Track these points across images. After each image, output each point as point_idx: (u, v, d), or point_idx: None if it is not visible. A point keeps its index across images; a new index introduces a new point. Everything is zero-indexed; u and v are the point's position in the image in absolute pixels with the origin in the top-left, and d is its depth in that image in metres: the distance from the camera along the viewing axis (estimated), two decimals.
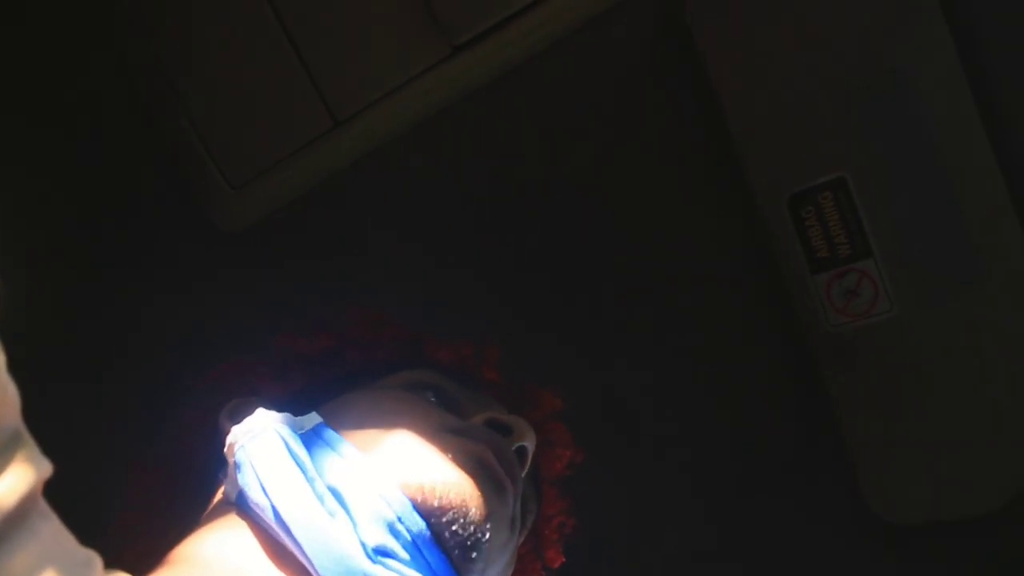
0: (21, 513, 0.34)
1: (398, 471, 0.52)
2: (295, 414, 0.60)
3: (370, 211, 0.85)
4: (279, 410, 0.61)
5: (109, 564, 0.41)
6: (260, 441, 0.53)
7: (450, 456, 0.54)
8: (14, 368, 0.38)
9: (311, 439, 0.55)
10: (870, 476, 0.78)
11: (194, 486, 0.62)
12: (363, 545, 0.49)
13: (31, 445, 0.36)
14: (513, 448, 0.59)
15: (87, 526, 0.42)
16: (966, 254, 0.72)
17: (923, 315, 0.74)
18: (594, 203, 0.82)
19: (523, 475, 0.61)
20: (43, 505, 0.38)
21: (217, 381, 0.66)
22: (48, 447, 0.40)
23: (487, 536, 0.53)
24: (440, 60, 0.79)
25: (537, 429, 0.67)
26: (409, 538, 0.50)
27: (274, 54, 0.80)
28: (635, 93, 0.79)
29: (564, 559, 0.69)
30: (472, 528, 0.52)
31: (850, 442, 0.78)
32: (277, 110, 0.81)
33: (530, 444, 0.61)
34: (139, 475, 0.64)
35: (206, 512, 0.56)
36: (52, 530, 0.37)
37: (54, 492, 0.41)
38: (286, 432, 0.54)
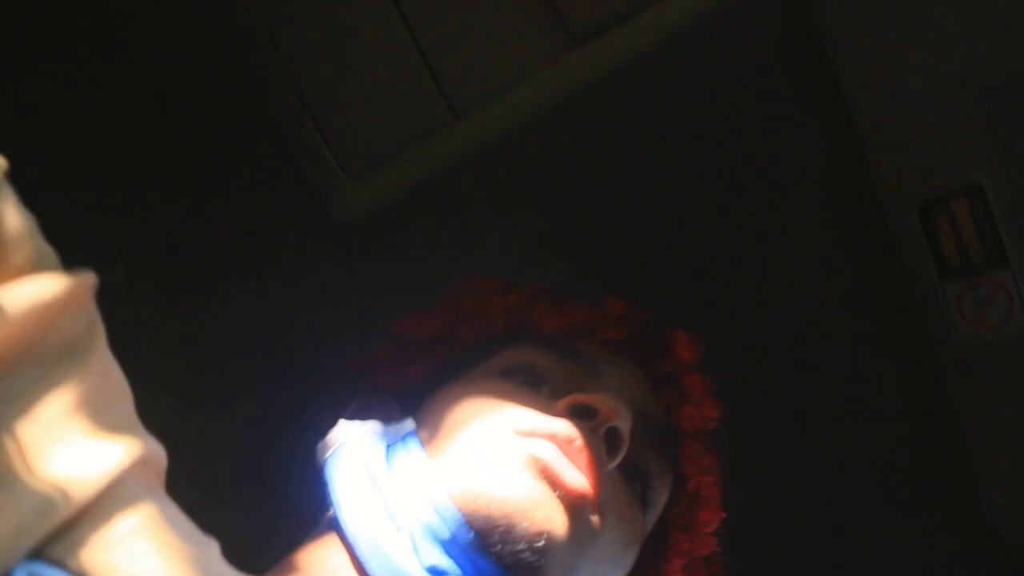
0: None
1: (448, 480, 0.51)
2: (418, 405, 0.60)
3: (486, 203, 0.85)
4: (403, 402, 0.62)
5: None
6: (337, 457, 0.54)
7: (503, 462, 0.51)
8: (124, 359, 0.39)
9: (395, 449, 0.55)
10: (997, 497, 0.75)
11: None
12: (420, 563, 0.49)
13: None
14: (603, 431, 0.54)
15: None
16: None
17: None
18: (712, 204, 0.80)
19: (619, 457, 0.55)
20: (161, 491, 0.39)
21: (344, 377, 0.66)
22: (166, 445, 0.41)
23: (544, 550, 0.49)
24: (560, 53, 0.78)
25: (670, 381, 0.64)
26: (463, 555, 0.49)
27: (393, 45, 0.80)
28: (759, 92, 0.77)
29: (724, 514, 0.64)
30: (523, 544, 0.49)
31: (976, 461, 0.75)
32: (396, 101, 0.81)
33: (623, 423, 0.55)
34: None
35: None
36: (169, 510, 0.38)
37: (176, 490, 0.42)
38: (365, 443, 0.54)
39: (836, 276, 0.79)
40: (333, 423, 0.59)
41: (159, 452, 0.37)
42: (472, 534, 0.49)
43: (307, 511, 0.59)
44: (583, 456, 0.52)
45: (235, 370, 0.87)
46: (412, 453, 0.54)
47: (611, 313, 0.65)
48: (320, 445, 0.56)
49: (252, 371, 0.86)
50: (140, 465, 0.35)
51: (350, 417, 0.59)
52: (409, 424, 0.57)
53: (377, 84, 0.82)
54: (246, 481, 0.65)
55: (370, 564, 0.49)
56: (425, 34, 0.80)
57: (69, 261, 0.35)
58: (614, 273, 0.83)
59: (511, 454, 0.52)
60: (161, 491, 0.37)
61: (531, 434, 0.53)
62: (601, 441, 0.54)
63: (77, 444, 0.32)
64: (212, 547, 0.39)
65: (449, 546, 0.49)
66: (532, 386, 0.58)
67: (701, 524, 0.63)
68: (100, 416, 0.34)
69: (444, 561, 0.49)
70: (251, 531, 0.61)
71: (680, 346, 0.64)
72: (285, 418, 0.67)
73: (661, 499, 0.62)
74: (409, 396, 0.63)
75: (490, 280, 0.67)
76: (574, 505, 0.51)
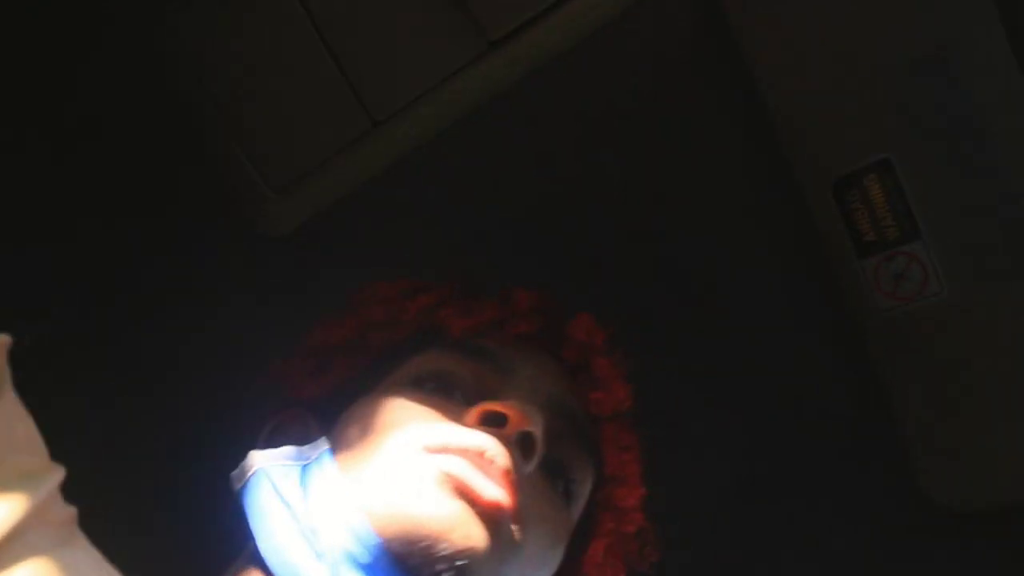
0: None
1: (368, 504, 0.51)
2: (336, 413, 0.60)
3: (412, 212, 0.85)
4: (321, 413, 0.61)
5: None
6: (250, 487, 0.54)
7: (421, 485, 0.51)
8: (50, 384, 0.39)
9: (311, 473, 0.54)
10: (924, 461, 0.77)
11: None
12: None
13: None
14: (515, 437, 0.54)
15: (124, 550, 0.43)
16: (1017, 233, 0.71)
17: (975, 296, 0.73)
18: (635, 195, 0.81)
19: (534, 462, 0.55)
20: (79, 534, 0.39)
21: (261, 387, 0.66)
22: (79, 459, 0.41)
23: (466, 569, 0.49)
24: (476, 57, 0.79)
25: (582, 367, 0.64)
26: (371, 569, 0.49)
27: (309, 56, 0.80)
28: (673, 82, 0.79)
29: (644, 491, 0.64)
30: (444, 564, 0.49)
31: (903, 427, 0.77)
32: (315, 112, 0.81)
33: (535, 427, 0.54)
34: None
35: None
36: (87, 555, 0.38)
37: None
38: (277, 470, 0.54)
39: (759, 258, 0.81)
40: (250, 446, 0.59)
41: (60, 503, 0.37)
42: (392, 558, 0.49)
43: (228, 542, 0.59)
44: (497, 467, 0.52)
45: (167, 392, 0.86)
46: (327, 474, 0.53)
47: (519, 306, 0.65)
48: (233, 475, 0.56)
49: (185, 393, 0.85)
50: (38, 517, 0.35)
51: (266, 438, 0.59)
52: (323, 443, 0.56)
53: (295, 97, 0.81)
54: (179, 509, 0.64)
55: None
56: (340, 44, 0.80)
57: None
58: (542, 270, 0.84)
59: (424, 473, 0.51)
60: (70, 536, 0.37)
61: (443, 450, 0.52)
62: (515, 447, 0.54)
63: None
64: None
65: (371, 572, 0.49)
66: (444, 393, 0.58)
67: (621, 502, 0.63)
68: None
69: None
70: (179, 562, 0.61)
71: (581, 330, 0.64)
72: (218, 442, 0.66)
73: (584, 489, 0.62)
74: (326, 408, 0.62)
75: (398, 283, 0.66)
76: (493, 519, 0.51)
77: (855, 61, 0.72)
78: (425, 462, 0.52)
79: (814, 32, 0.73)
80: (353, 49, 0.80)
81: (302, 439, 0.58)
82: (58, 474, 0.38)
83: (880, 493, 0.80)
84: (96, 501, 0.42)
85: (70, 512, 0.38)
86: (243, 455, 0.58)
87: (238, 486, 0.55)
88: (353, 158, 0.81)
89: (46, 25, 0.86)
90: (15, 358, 0.37)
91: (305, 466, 0.55)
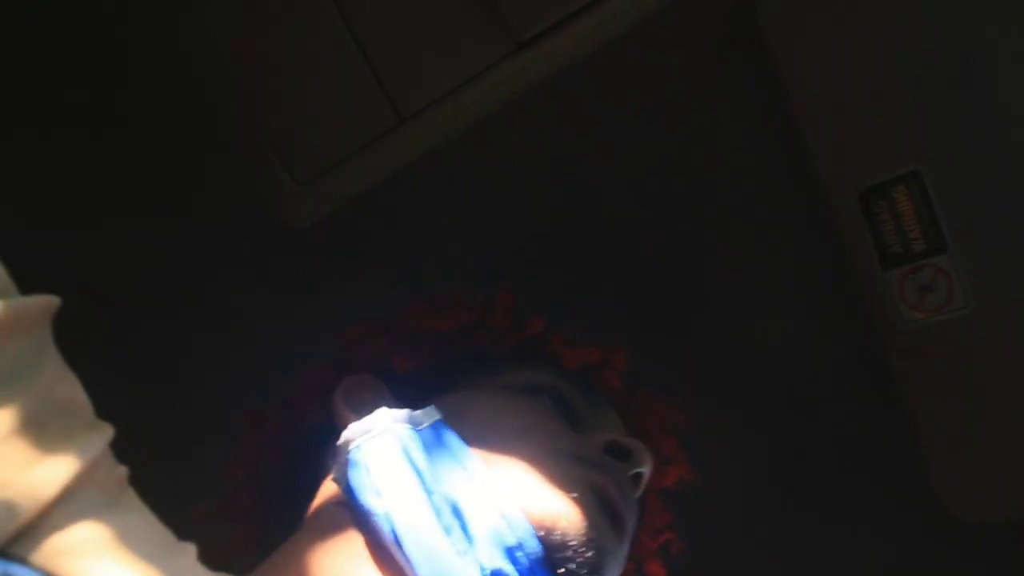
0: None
1: (522, 495, 0.51)
2: (411, 394, 0.59)
3: (433, 208, 0.85)
4: (394, 388, 0.60)
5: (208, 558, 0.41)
6: (379, 443, 0.52)
7: (575, 487, 0.53)
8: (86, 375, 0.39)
9: (431, 441, 0.53)
10: (944, 474, 0.77)
11: (303, 454, 0.61)
12: (478, 566, 0.48)
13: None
14: (631, 473, 0.59)
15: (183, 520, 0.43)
16: None
17: (1000, 311, 0.72)
18: (660, 202, 0.81)
19: (638, 494, 0.60)
20: (131, 494, 0.39)
21: (341, 344, 0.65)
22: (126, 447, 0.41)
23: (605, 571, 0.52)
24: (505, 56, 0.78)
25: (650, 439, 0.66)
26: (527, 564, 0.49)
27: (339, 50, 0.80)
28: (702, 87, 0.78)
29: (666, 572, 0.68)
30: (589, 566, 0.51)
31: (923, 440, 0.77)
32: (342, 107, 0.81)
33: (647, 470, 0.60)
34: (252, 427, 0.63)
35: (315, 504, 0.55)
36: (140, 517, 0.38)
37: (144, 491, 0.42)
38: (407, 436, 0.52)
39: (784, 268, 0.80)
40: (316, 398, 0.60)
41: (109, 463, 0.38)
42: (542, 548, 0.50)
43: (290, 468, 0.59)
44: (626, 492, 0.56)
45: (192, 380, 0.86)
46: (463, 456, 0.52)
47: (617, 363, 0.69)
48: (355, 427, 0.53)
49: (210, 380, 0.86)
50: (88, 477, 0.35)
51: (346, 395, 0.58)
52: (434, 412, 0.55)
53: (322, 90, 0.81)
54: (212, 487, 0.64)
55: (419, 562, 0.47)
56: (369, 39, 0.80)
57: (21, 279, 0.35)
58: (565, 273, 0.84)
59: (579, 480, 0.54)
60: (121, 496, 0.37)
61: (588, 463, 0.56)
62: (631, 481, 0.59)
63: (20, 461, 0.33)
64: (186, 552, 0.39)
65: (514, 554, 0.49)
66: (559, 409, 0.61)
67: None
68: (43, 436, 0.34)
69: (507, 567, 0.48)
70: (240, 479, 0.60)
71: (659, 405, 0.70)
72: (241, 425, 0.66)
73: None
74: (398, 383, 0.61)
75: (515, 297, 0.68)
76: (621, 538, 0.55)
77: (887, 72, 0.71)
78: (577, 470, 0.54)
79: (846, 41, 0.72)
80: (382, 44, 0.79)
81: (374, 405, 0.56)
82: (107, 433, 0.38)
83: (898, 504, 0.80)
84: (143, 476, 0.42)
85: (121, 471, 0.38)
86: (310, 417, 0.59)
87: (357, 442, 0.52)
88: (378, 153, 0.81)
89: (75, 19, 0.86)
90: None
91: (421, 432, 0.53)
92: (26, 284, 0.36)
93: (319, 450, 0.59)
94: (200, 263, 0.89)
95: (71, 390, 0.37)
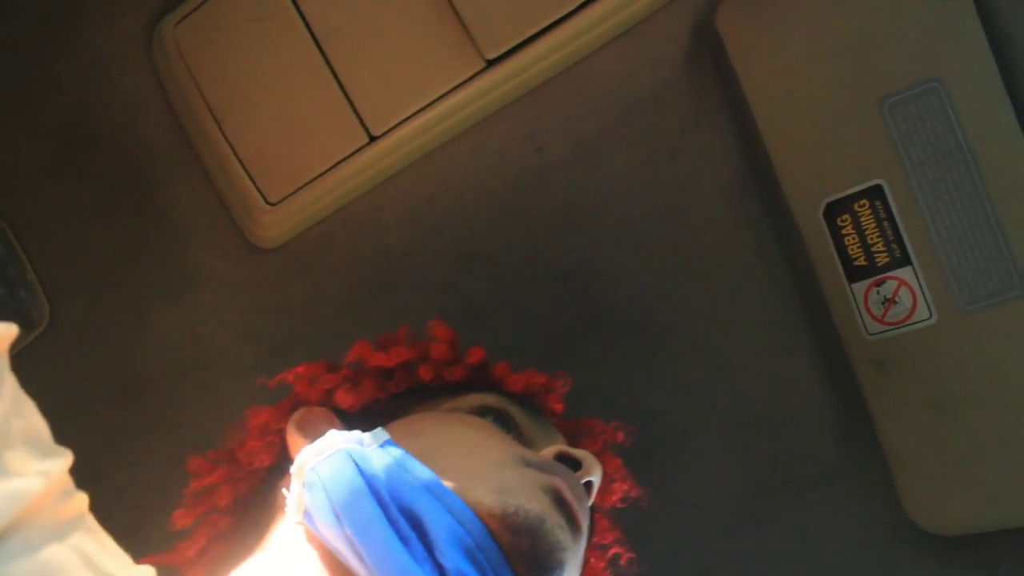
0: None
1: (478, 499, 0.52)
2: (362, 425, 0.59)
3: (405, 226, 0.85)
4: (344, 421, 0.61)
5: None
6: (332, 462, 0.53)
7: (529, 488, 0.53)
8: (51, 387, 0.39)
9: (383, 459, 0.54)
10: (910, 486, 0.77)
11: (255, 489, 0.62)
12: (443, 571, 0.48)
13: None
14: (581, 482, 0.59)
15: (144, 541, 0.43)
16: (1005, 262, 0.71)
17: (963, 322, 0.73)
18: (626, 216, 0.82)
19: (589, 503, 0.60)
20: (90, 520, 0.39)
21: (289, 383, 0.65)
22: (89, 464, 0.41)
23: (564, 569, 0.52)
24: (474, 74, 0.79)
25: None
26: (487, 565, 0.50)
27: (310, 72, 0.81)
28: (667, 106, 0.79)
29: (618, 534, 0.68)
30: (550, 561, 0.51)
31: (890, 452, 0.77)
32: (313, 126, 0.81)
33: (596, 479, 0.60)
34: (200, 473, 0.64)
35: (272, 526, 0.56)
36: (98, 543, 0.38)
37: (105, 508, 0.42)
38: (358, 455, 0.53)
39: (751, 281, 0.81)
40: (266, 438, 0.61)
41: (67, 489, 0.37)
42: (500, 548, 0.50)
43: (241, 504, 0.60)
44: (579, 496, 0.56)
45: (162, 400, 0.86)
46: (414, 468, 0.53)
47: (559, 387, 0.72)
48: (309, 450, 0.54)
49: (179, 400, 0.85)
50: (44, 505, 0.35)
51: (299, 425, 0.59)
52: (382, 434, 0.56)
53: (294, 110, 0.82)
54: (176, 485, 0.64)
55: (384, 573, 0.48)
56: (340, 60, 0.81)
57: None
58: (535, 288, 0.84)
59: (532, 482, 0.54)
60: (78, 523, 0.37)
61: (541, 467, 0.56)
62: (583, 488, 0.58)
63: None
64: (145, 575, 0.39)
65: (474, 555, 0.50)
66: (506, 429, 0.62)
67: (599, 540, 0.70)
68: None
69: (468, 569, 0.49)
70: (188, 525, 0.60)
71: (604, 429, 0.72)
72: (213, 445, 0.66)
73: None
74: (349, 418, 0.63)
75: (453, 331, 0.69)
76: (577, 538, 0.54)
77: (848, 89, 0.73)
78: (532, 474, 0.55)
79: (808, 59, 0.73)
80: (352, 65, 0.80)
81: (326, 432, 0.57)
82: (65, 459, 0.37)
83: (866, 518, 0.81)
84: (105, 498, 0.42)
85: (80, 498, 0.38)
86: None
87: (312, 463, 0.53)
88: (349, 173, 0.82)
89: (42, 29, 0.87)
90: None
91: (372, 451, 0.54)
92: None
93: (270, 489, 0.60)
94: (170, 279, 0.89)
95: (28, 417, 0.36)
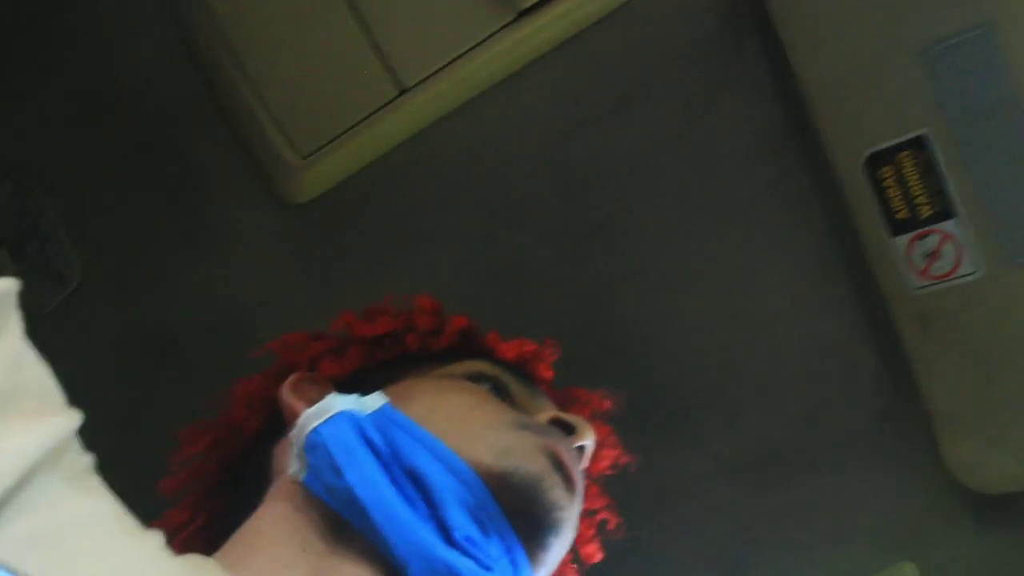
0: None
1: (478, 458, 0.53)
2: (355, 392, 0.59)
3: (437, 180, 0.84)
4: (337, 388, 0.61)
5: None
6: (335, 424, 0.53)
7: (528, 449, 0.54)
8: (83, 345, 0.39)
9: (383, 420, 0.55)
10: (954, 444, 0.76)
11: (243, 456, 0.62)
12: (446, 530, 0.50)
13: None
14: (576, 445, 0.60)
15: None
16: None
17: (1010, 277, 0.71)
18: (661, 168, 0.80)
19: (583, 466, 0.62)
20: (97, 480, 0.38)
21: (276, 352, 0.66)
22: (107, 418, 0.40)
23: (562, 528, 0.54)
24: (504, 25, 0.78)
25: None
26: (489, 523, 0.51)
27: (338, 24, 0.80)
28: (703, 56, 0.78)
29: (603, 555, 0.69)
30: (549, 519, 0.53)
31: (933, 409, 0.76)
32: (343, 80, 0.81)
33: (589, 444, 0.62)
34: (189, 442, 0.64)
35: (271, 489, 0.56)
36: (105, 504, 0.38)
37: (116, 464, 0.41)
38: (361, 416, 0.54)
39: (789, 235, 0.79)
40: (254, 406, 0.62)
41: (76, 449, 0.37)
42: (501, 507, 0.51)
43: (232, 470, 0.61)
44: (574, 459, 0.57)
45: (190, 357, 0.86)
46: (414, 430, 0.54)
47: (549, 355, 0.71)
48: (309, 413, 0.54)
49: (207, 358, 0.85)
50: (50, 463, 0.34)
51: (294, 390, 0.59)
52: (381, 398, 0.56)
53: (323, 64, 0.81)
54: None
55: (390, 533, 0.49)
56: (370, 12, 0.80)
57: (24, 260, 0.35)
58: (567, 243, 0.83)
59: (530, 444, 0.55)
60: (84, 483, 0.37)
61: (537, 430, 0.57)
62: (576, 452, 0.60)
63: None
64: (152, 538, 0.39)
65: (476, 514, 0.51)
66: (500, 396, 0.62)
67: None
68: (4, 417, 0.33)
69: (471, 528, 0.50)
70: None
71: (596, 397, 0.72)
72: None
73: None
74: (341, 385, 0.63)
75: (437, 302, 0.69)
76: (573, 498, 0.56)
77: (891, 36, 0.71)
78: (529, 436, 0.56)
79: (849, 6, 0.72)
80: (382, 16, 0.79)
81: (323, 397, 0.57)
82: (73, 419, 0.37)
83: (909, 474, 0.79)
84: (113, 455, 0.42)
85: (87, 459, 0.38)
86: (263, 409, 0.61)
87: (314, 424, 0.53)
88: (379, 126, 0.81)
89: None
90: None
91: (372, 413, 0.55)
92: None
93: (260, 455, 0.60)
94: (201, 234, 0.88)
95: (37, 374, 0.36)
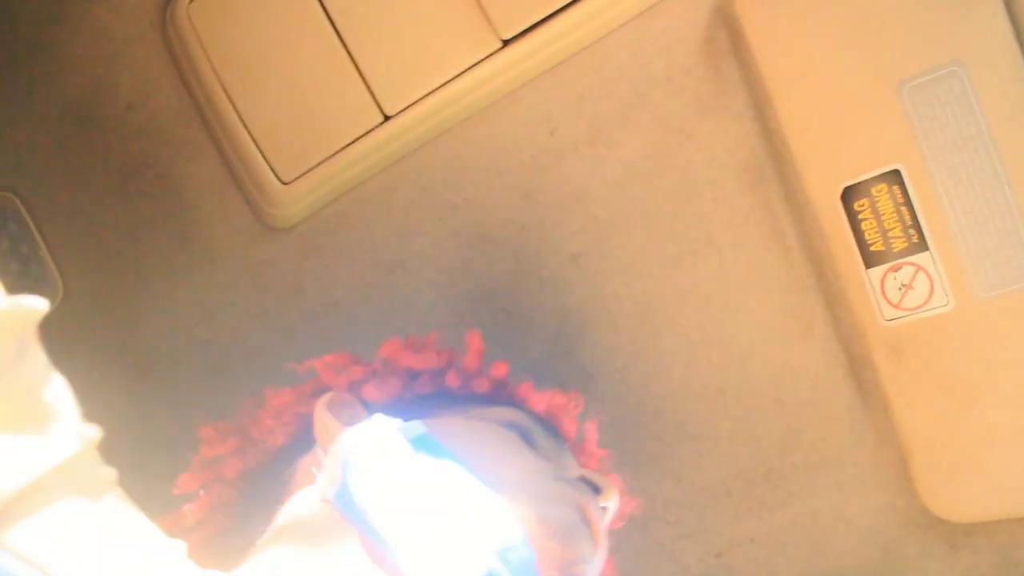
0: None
1: (514, 503, 0.53)
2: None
3: (417, 207, 0.85)
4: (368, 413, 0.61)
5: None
6: (380, 447, 0.53)
7: (561, 501, 0.56)
8: (65, 362, 0.39)
9: (424, 449, 0.54)
10: (924, 472, 0.77)
11: (262, 465, 0.63)
12: (475, 566, 0.49)
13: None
14: (600, 506, 0.61)
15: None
16: (1022, 248, 0.71)
17: (980, 309, 0.72)
18: (639, 198, 0.81)
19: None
20: (117, 496, 0.39)
21: (317, 370, 0.66)
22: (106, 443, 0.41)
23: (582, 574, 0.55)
24: (489, 54, 0.79)
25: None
26: (518, 566, 0.51)
27: (324, 50, 0.81)
28: (682, 87, 0.79)
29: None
30: (573, 571, 0.54)
31: (904, 438, 0.77)
32: (327, 105, 0.81)
33: (613, 506, 0.63)
34: (211, 442, 0.64)
35: (296, 506, 0.56)
36: (125, 516, 0.38)
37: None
38: (403, 442, 0.54)
39: (765, 265, 0.80)
40: (284, 418, 0.62)
41: (93, 462, 0.38)
42: (532, 553, 0.52)
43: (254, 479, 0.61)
44: (601, 517, 0.59)
45: (171, 377, 0.86)
46: (453, 463, 0.54)
47: (574, 408, 0.71)
48: (350, 430, 0.54)
49: (188, 379, 0.85)
50: (65, 474, 0.35)
51: (331, 407, 0.58)
52: (420, 427, 0.56)
53: (309, 89, 0.82)
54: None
55: (414, 563, 0.49)
56: (355, 39, 0.80)
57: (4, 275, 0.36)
58: (546, 270, 0.84)
59: (564, 496, 0.57)
60: (106, 497, 0.38)
61: (571, 484, 0.59)
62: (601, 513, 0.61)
63: None
64: (173, 550, 0.40)
65: (506, 555, 0.50)
66: (530, 446, 0.63)
67: None
68: (19, 431, 0.34)
69: (500, 568, 0.50)
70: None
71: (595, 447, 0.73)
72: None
73: None
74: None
75: (482, 345, 0.70)
76: (595, 553, 0.57)
77: (867, 72, 0.72)
78: (563, 489, 0.58)
79: (827, 41, 0.73)
80: (367, 44, 0.80)
81: (359, 418, 0.57)
82: (90, 435, 0.38)
83: (876, 503, 0.80)
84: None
85: (108, 472, 0.39)
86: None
87: (357, 445, 0.53)
88: (362, 152, 0.82)
89: (50, 11, 0.87)
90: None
91: (413, 440, 0.55)
92: None
93: (283, 467, 0.60)
94: (184, 258, 0.89)
95: (55, 392, 0.37)
